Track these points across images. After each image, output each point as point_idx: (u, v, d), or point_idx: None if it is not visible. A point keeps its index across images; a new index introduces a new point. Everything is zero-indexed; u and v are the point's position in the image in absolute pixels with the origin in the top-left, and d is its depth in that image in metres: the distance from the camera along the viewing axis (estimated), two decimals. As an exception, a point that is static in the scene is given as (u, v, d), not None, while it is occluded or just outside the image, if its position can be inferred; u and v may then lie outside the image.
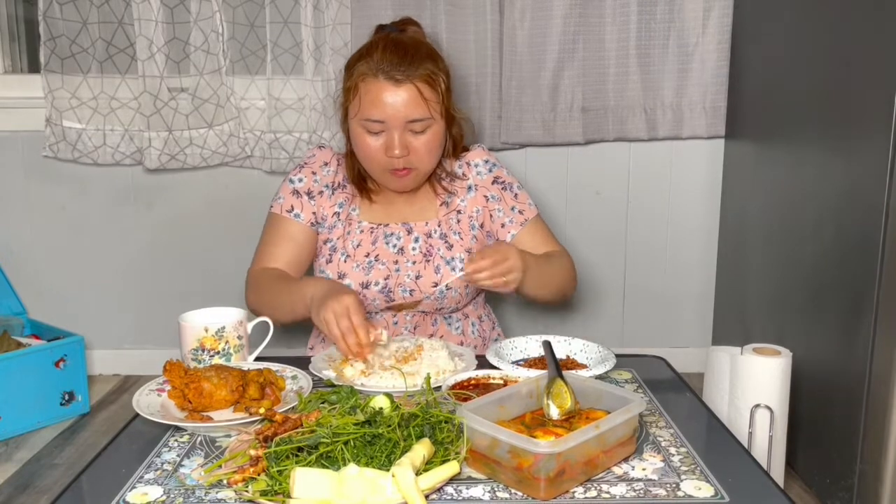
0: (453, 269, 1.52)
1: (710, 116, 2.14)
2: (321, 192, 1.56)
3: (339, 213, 1.55)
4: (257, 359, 1.32)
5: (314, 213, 1.55)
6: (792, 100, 1.77)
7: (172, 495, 0.90)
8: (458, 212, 1.57)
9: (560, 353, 1.33)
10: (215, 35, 2.07)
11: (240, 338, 1.28)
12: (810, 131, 1.68)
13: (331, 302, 1.25)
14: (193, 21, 2.06)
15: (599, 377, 1.21)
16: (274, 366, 1.22)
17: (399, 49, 1.43)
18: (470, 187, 1.58)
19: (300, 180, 1.56)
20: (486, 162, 1.60)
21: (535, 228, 1.59)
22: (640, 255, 2.29)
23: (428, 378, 1.12)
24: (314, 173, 1.57)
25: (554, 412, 0.99)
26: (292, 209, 1.54)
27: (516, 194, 1.60)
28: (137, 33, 2.03)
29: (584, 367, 1.27)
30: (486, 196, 1.58)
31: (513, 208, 1.58)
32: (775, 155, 1.86)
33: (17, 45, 2.29)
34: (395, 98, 1.41)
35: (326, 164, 1.58)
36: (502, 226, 1.57)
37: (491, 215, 1.58)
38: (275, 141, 2.13)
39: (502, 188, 1.59)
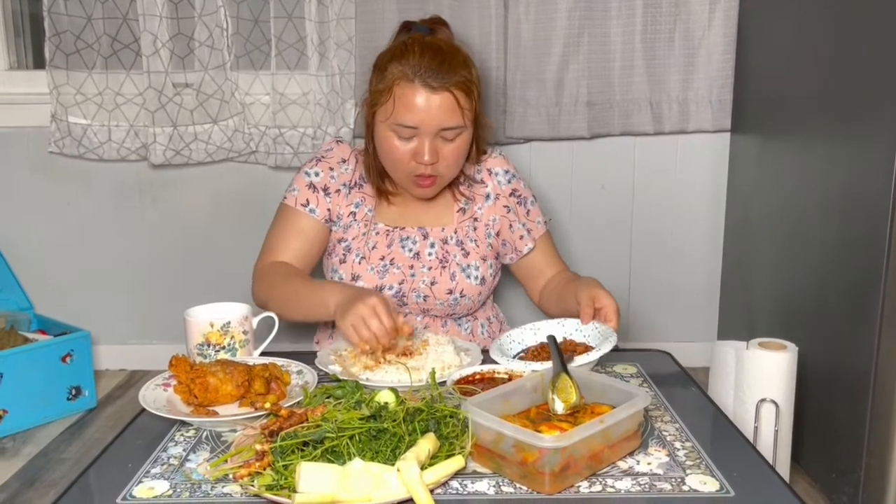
0: (469, 276, 1.51)
1: (716, 110, 2.13)
2: (338, 191, 1.53)
3: (355, 213, 1.53)
4: (263, 354, 1.32)
5: (329, 209, 1.53)
6: (798, 94, 1.76)
7: (179, 489, 0.90)
8: (475, 219, 1.56)
9: (557, 337, 1.32)
10: (219, 30, 2.07)
11: (245, 333, 1.29)
12: (816, 125, 1.67)
13: (358, 306, 1.23)
14: (198, 16, 2.06)
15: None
16: (279, 360, 1.23)
17: (437, 54, 1.40)
18: (489, 195, 1.57)
19: (316, 174, 1.53)
20: (507, 172, 1.58)
21: (543, 247, 1.61)
22: (645, 249, 2.29)
23: (433, 373, 1.12)
24: (331, 169, 1.54)
25: (559, 407, 0.99)
26: (307, 203, 1.52)
27: (528, 210, 1.59)
28: (142, 29, 2.03)
29: (585, 347, 1.27)
30: (506, 206, 1.57)
31: (522, 224, 1.57)
32: (781, 149, 1.86)
33: (22, 40, 2.29)
34: (432, 105, 1.38)
35: (344, 161, 1.55)
36: (520, 238, 1.58)
37: (510, 225, 1.57)
38: (279, 136, 2.13)
39: (517, 202, 1.58)
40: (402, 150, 1.42)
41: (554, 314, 1.50)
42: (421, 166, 1.42)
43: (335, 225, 1.54)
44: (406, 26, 1.56)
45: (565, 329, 1.35)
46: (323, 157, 1.56)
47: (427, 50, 1.41)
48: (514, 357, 1.29)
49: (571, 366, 1.13)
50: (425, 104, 1.38)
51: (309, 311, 1.40)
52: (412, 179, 1.46)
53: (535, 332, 1.36)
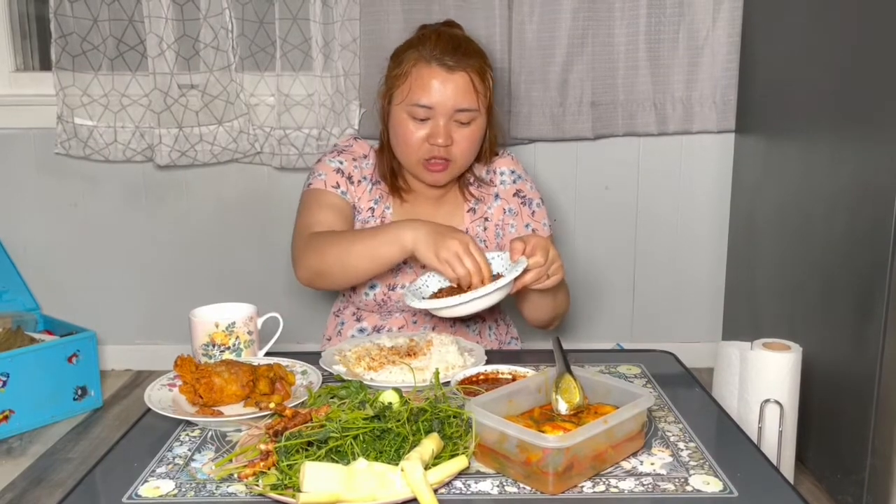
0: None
1: (720, 111, 2.13)
2: (360, 182, 1.52)
3: (373, 209, 1.52)
4: (267, 354, 1.32)
5: (355, 197, 1.51)
6: (803, 94, 1.76)
7: (184, 489, 0.91)
8: (486, 219, 1.55)
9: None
10: (224, 32, 2.08)
11: (250, 333, 1.29)
12: (821, 125, 1.67)
13: (448, 241, 1.24)
14: (203, 18, 2.07)
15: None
16: (284, 361, 1.23)
17: (452, 40, 1.44)
18: (497, 195, 1.57)
19: (340, 162, 1.51)
20: (513, 172, 1.58)
21: None
22: (650, 249, 2.29)
23: (437, 373, 1.12)
24: (354, 160, 1.53)
25: (562, 407, 0.99)
26: (337, 185, 1.48)
27: (534, 212, 1.58)
28: (147, 30, 2.04)
29: (497, 276, 1.28)
30: (504, 209, 1.57)
31: (527, 226, 1.56)
32: (786, 149, 1.86)
33: (29, 42, 2.31)
34: (447, 85, 1.40)
35: (365, 156, 1.55)
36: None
37: (506, 228, 1.57)
38: (284, 137, 2.13)
39: (521, 203, 1.57)
40: (417, 134, 1.43)
41: (526, 315, 1.50)
42: (434, 149, 1.42)
43: (356, 217, 1.53)
44: (423, 28, 1.57)
45: (502, 263, 1.32)
46: (344, 149, 1.54)
47: (443, 36, 1.44)
48: (430, 297, 1.29)
49: (474, 299, 1.18)
50: (441, 84, 1.40)
51: (375, 252, 1.33)
52: (424, 164, 1.45)
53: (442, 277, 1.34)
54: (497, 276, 1.29)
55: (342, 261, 1.36)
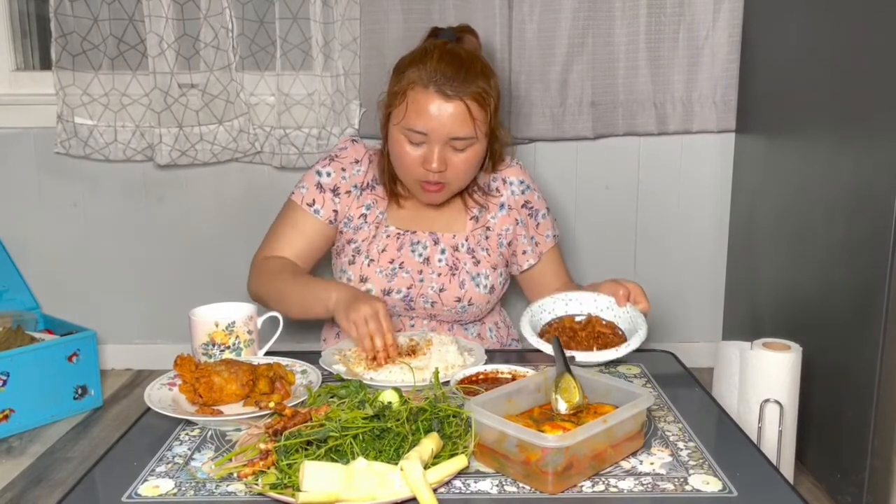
0: (478, 285, 1.51)
1: (720, 110, 2.13)
2: (348, 192, 1.53)
3: (366, 216, 1.53)
4: (267, 353, 1.32)
5: (335, 210, 1.52)
6: (803, 94, 1.76)
7: (183, 488, 0.91)
8: (488, 228, 1.55)
9: (582, 311, 1.40)
10: (225, 31, 2.08)
11: (250, 332, 1.29)
12: (822, 126, 1.67)
13: (361, 305, 1.27)
14: (203, 17, 2.07)
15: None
16: (284, 360, 1.23)
17: (455, 62, 1.39)
18: (502, 205, 1.56)
19: (328, 174, 1.53)
20: (522, 182, 1.58)
21: (550, 259, 1.61)
22: (650, 249, 2.28)
23: (436, 373, 1.12)
24: (343, 170, 1.53)
25: (562, 406, 0.99)
26: (313, 203, 1.52)
27: (539, 224, 1.58)
28: (148, 30, 2.04)
29: (613, 327, 1.36)
30: (516, 219, 1.57)
31: (532, 238, 1.57)
32: (786, 149, 1.85)
33: (29, 41, 2.31)
34: (443, 113, 1.37)
35: (357, 161, 1.55)
36: (523, 252, 1.57)
37: (517, 238, 1.57)
38: (284, 136, 2.13)
39: (529, 214, 1.58)
40: (412, 155, 1.42)
41: None
42: (429, 173, 1.42)
43: (345, 226, 1.53)
44: (434, 32, 1.55)
45: (598, 305, 1.39)
46: (336, 156, 1.55)
47: (446, 56, 1.40)
48: (543, 326, 1.37)
49: (609, 356, 1.24)
50: (437, 111, 1.38)
51: (305, 305, 1.41)
52: (420, 185, 1.45)
53: (567, 302, 1.42)
54: (597, 319, 1.39)
55: (279, 300, 1.46)
